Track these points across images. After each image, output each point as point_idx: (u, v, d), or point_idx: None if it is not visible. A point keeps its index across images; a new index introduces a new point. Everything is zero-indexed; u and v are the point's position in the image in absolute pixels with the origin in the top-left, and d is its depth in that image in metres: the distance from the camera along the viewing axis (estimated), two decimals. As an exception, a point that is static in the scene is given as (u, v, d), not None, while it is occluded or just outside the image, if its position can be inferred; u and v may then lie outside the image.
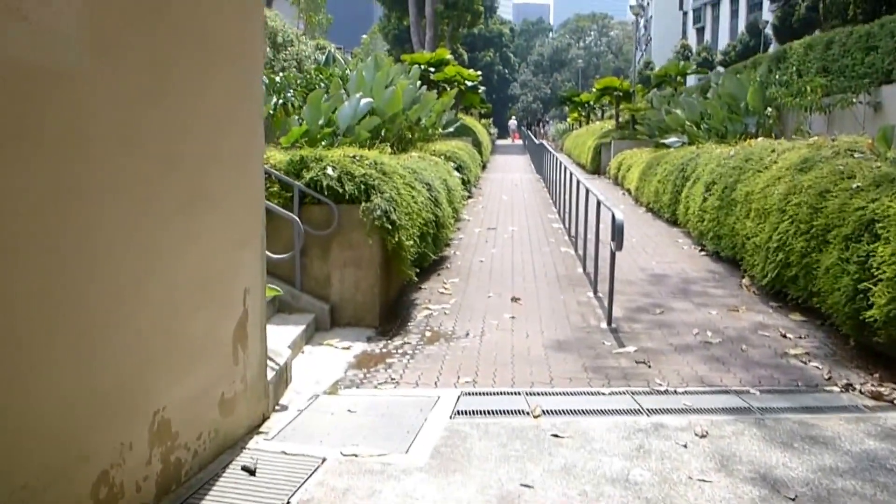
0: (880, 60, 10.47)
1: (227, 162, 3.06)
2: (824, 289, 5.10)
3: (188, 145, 2.78)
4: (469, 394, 3.92)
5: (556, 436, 3.32)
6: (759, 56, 16.10)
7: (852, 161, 6.16)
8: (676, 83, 22.99)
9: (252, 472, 2.91)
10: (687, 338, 5.15)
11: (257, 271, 3.34)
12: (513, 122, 59.72)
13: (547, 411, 3.63)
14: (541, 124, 55.37)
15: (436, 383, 4.13)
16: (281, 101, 6.19)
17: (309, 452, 3.11)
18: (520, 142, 48.45)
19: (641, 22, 55.31)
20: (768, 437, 3.35)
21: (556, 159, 13.44)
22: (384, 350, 4.82)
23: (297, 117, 6.99)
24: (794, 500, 2.74)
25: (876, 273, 4.40)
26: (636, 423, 3.48)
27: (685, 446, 3.21)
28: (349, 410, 3.63)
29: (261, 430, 3.41)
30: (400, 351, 4.79)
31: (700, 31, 57.71)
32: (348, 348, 4.81)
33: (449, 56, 25.57)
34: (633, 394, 3.92)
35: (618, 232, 5.05)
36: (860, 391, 3.99)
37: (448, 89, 21.59)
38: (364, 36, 35.38)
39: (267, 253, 4.13)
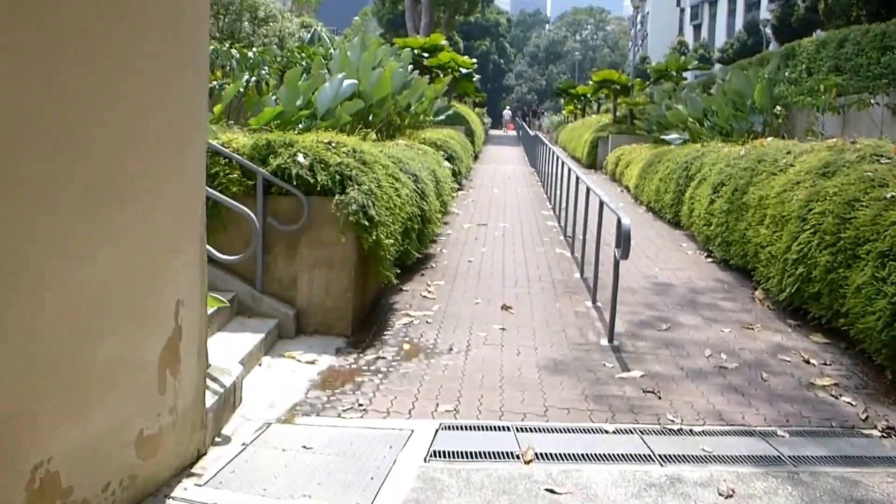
0: (898, 61, 9.93)
1: (154, 146, 2.41)
2: (855, 310, 4.53)
3: (97, 127, 2.15)
4: (449, 427, 3.31)
5: (551, 491, 2.73)
6: (766, 53, 15.52)
7: (882, 167, 5.60)
8: (676, 78, 22.39)
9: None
10: (699, 361, 4.58)
11: (194, 279, 2.71)
12: (507, 113, 59.22)
13: (541, 455, 3.03)
14: (536, 115, 54.89)
15: (410, 412, 3.52)
16: (254, 78, 5.52)
17: (247, 506, 2.50)
18: (514, 133, 47.82)
19: (639, 17, 54.90)
20: (806, 498, 2.77)
21: (553, 153, 12.82)
22: (354, 366, 4.20)
23: (272, 97, 6.31)
24: None
25: (922, 298, 3.84)
26: (647, 476, 2.89)
27: (709, 511, 2.63)
28: (305, 446, 3.01)
29: (193, 470, 2.79)
30: (372, 367, 4.17)
31: (697, 28, 57.32)
32: (313, 362, 4.18)
33: (444, 42, 24.82)
34: (641, 433, 3.33)
35: (624, 239, 4.45)
36: (904, 437, 3.43)
37: (441, 76, 20.91)
38: (356, 17, 34.43)
39: (215, 253, 3.50)
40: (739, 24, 46.52)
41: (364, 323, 5.05)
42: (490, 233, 9.24)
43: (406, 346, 4.60)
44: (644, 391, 3.93)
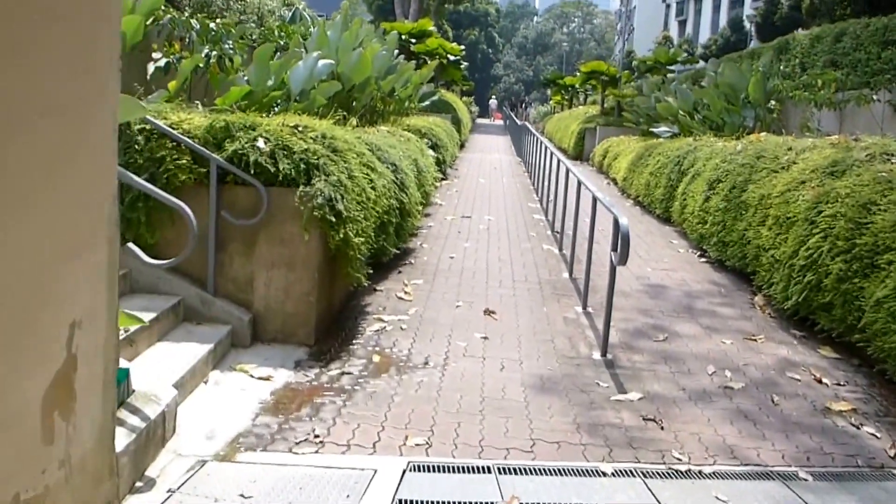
0: (901, 57, 9.54)
1: (36, 126, 1.86)
2: (874, 326, 4.10)
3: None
4: (419, 468, 2.80)
5: (541, 556, 2.24)
6: (758, 46, 15.13)
7: (897, 167, 5.18)
8: (664, 71, 21.99)
9: None
10: (702, 379, 4.12)
11: (99, 293, 2.16)
12: (493, 102, 59.07)
13: (527, 505, 2.55)
14: (523, 105, 54.65)
15: (375, 444, 3.01)
16: (215, 53, 4.92)
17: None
18: (500, 122, 47.39)
19: (625, 12, 54.93)
20: (843, 564, 2.32)
21: (541, 143, 12.33)
22: (315, 382, 3.68)
23: (243, 76, 5.72)
24: None
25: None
26: (655, 534, 2.42)
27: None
28: (243, 496, 2.49)
29: (102, 527, 2.26)
30: (335, 385, 3.65)
31: (682, 24, 57.41)
32: (268, 378, 3.65)
33: (432, 27, 24.19)
34: (644, 476, 2.86)
35: (622, 242, 3.96)
36: (941, 479, 3.00)
37: (429, 62, 20.29)
38: (344, 2, 33.57)
39: (141, 255, 2.94)
40: (724, 20, 46.56)
41: (330, 329, 4.53)
42: (474, 226, 8.74)
43: (376, 358, 4.09)
44: (644, 419, 3.46)
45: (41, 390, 1.93)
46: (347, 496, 2.51)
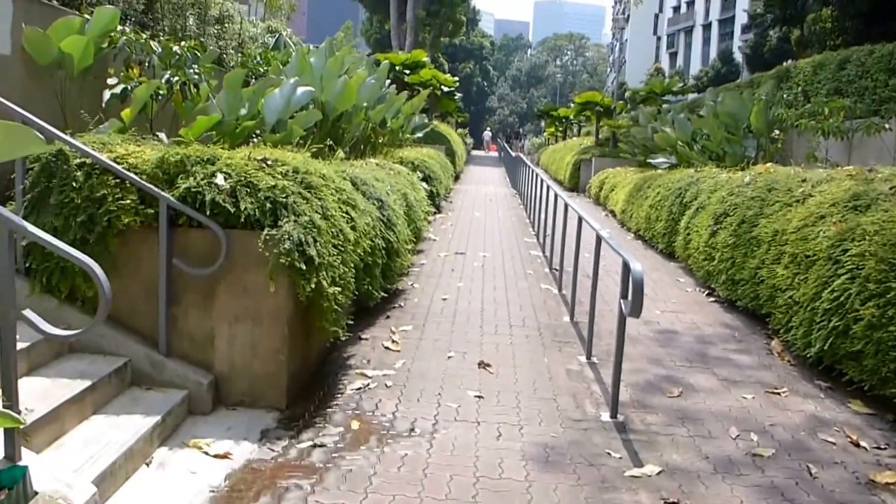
0: (909, 84, 9.24)
1: None
2: (919, 382, 3.62)
3: None
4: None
5: None
6: (757, 76, 14.90)
7: (928, 202, 4.75)
8: (659, 102, 21.84)
9: None
10: (726, 445, 3.61)
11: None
12: (487, 134, 59.61)
13: None
14: (518, 137, 55.02)
15: (346, 547, 2.49)
16: (177, 79, 4.47)
17: None
18: (495, 153, 47.41)
19: (617, 45, 55.84)
20: None
21: (536, 175, 11.97)
22: (282, 459, 3.15)
23: (214, 104, 5.29)
24: None
25: None
26: None
27: None
28: None
29: None
30: (305, 462, 3.13)
31: (673, 56, 58.31)
32: (226, 456, 3.12)
33: (426, 58, 24.08)
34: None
35: (635, 291, 3.49)
36: None
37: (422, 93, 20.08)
38: (339, 32, 33.64)
39: (43, 327, 2.40)
40: (714, 53, 47.16)
41: (306, 388, 4.01)
42: (469, 263, 8.26)
43: (355, 425, 3.57)
44: (666, 503, 2.94)
45: None
46: None
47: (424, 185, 10.91)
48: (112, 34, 4.46)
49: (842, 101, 9.09)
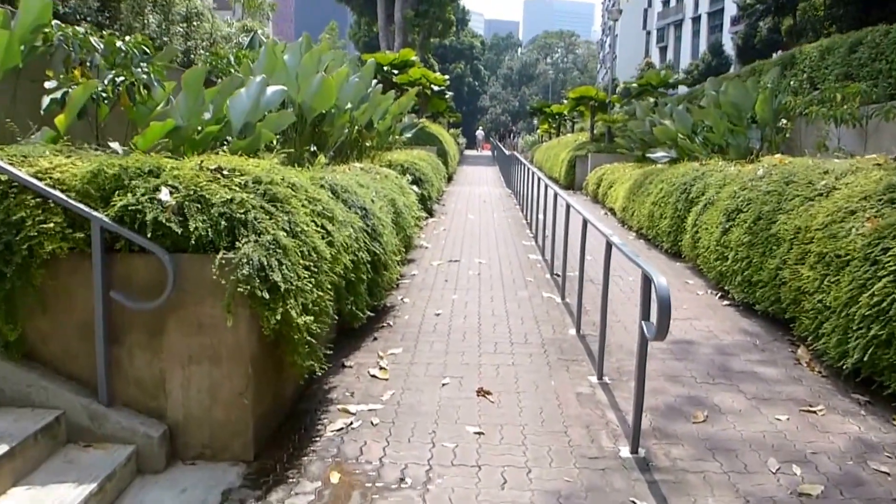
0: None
1: None
2: None
3: None
4: None
5: None
6: (761, 63, 14.38)
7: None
8: (657, 94, 21.35)
9: None
10: (766, 482, 3.10)
11: None
12: (479, 133, 59.22)
13: None
14: (511, 135, 54.66)
15: None
16: (122, 79, 3.92)
17: None
18: (488, 152, 46.98)
19: (607, 40, 55.59)
20: None
21: (532, 174, 11.44)
22: (244, 529, 2.63)
23: (173, 106, 4.75)
24: None
25: None
26: None
27: None
28: None
29: None
30: (272, 532, 2.61)
31: (663, 50, 58.03)
32: (176, 528, 2.60)
33: (414, 57, 23.54)
34: None
35: (662, 311, 2.98)
36: None
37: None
38: (323, 33, 33.10)
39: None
40: (704, 45, 46.81)
41: (278, 433, 3.48)
42: (463, 272, 7.74)
43: (335, 477, 3.04)
44: (710, 571, 2.42)
45: None
46: None
47: (415, 188, 10.40)
48: (46, 30, 3.92)
49: (857, 86, 8.58)
